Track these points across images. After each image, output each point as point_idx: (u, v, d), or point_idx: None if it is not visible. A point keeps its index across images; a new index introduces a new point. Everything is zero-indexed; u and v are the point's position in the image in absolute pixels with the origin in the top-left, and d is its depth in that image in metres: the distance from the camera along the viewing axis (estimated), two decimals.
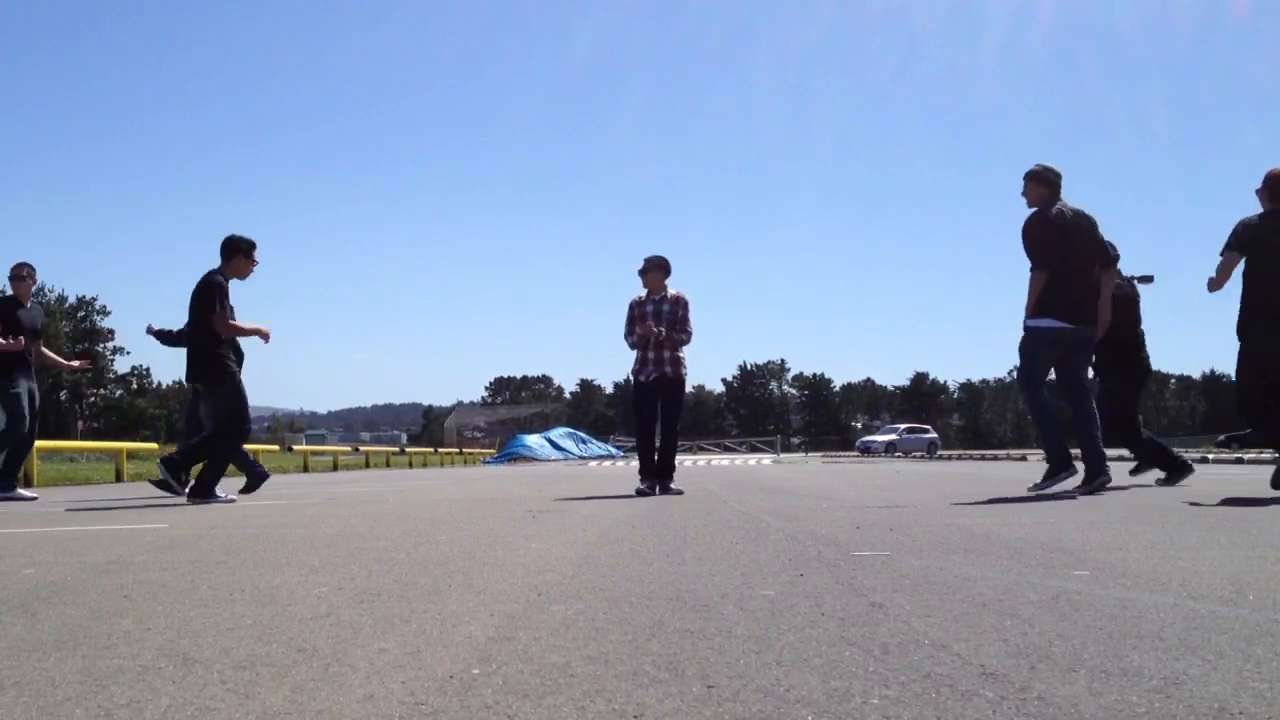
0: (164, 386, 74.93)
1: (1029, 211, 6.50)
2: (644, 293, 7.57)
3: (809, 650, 1.79)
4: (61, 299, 70.67)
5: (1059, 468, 6.32)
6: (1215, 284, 6.42)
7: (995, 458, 27.73)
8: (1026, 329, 6.46)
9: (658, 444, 7.43)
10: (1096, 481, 6.33)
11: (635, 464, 7.93)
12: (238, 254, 7.41)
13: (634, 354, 7.55)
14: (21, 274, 8.47)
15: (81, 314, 71.38)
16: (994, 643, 1.83)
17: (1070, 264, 6.36)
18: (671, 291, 7.56)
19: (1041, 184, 6.53)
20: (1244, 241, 6.31)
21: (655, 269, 7.54)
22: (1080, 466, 6.49)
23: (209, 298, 7.22)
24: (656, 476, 7.37)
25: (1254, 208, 6.47)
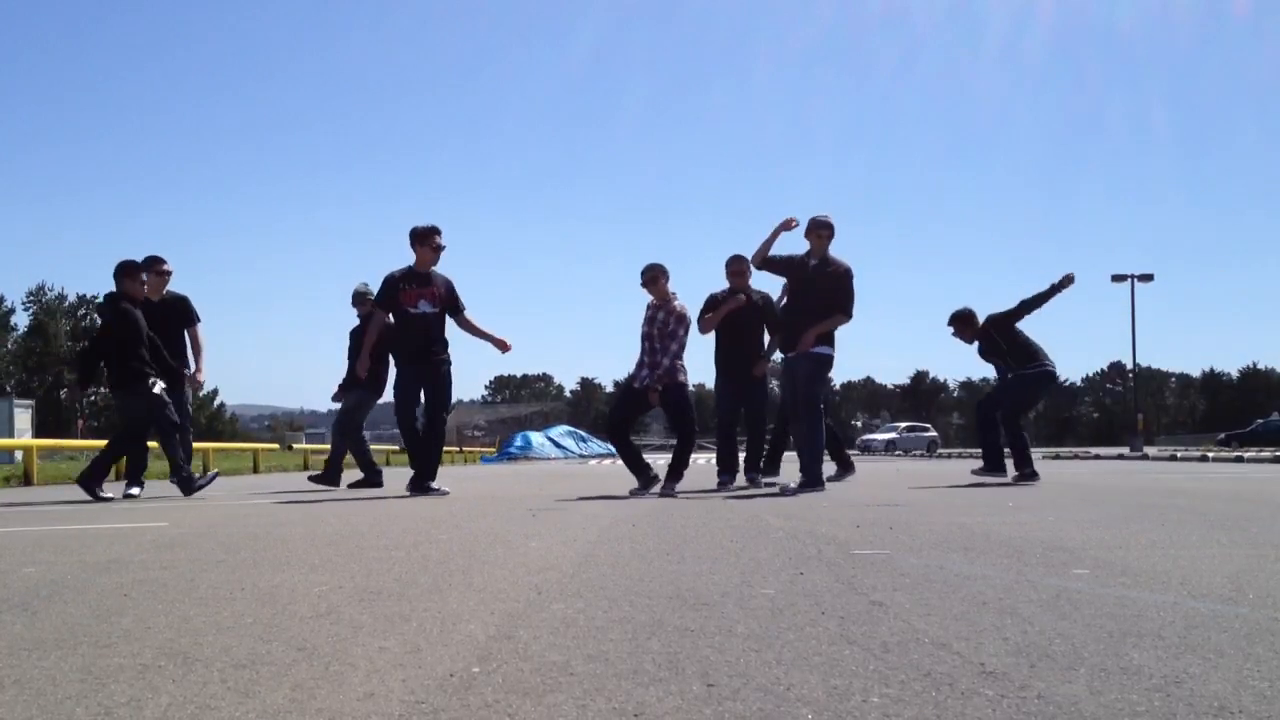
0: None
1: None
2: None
3: (809, 649, 1.79)
4: (61, 298, 70.69)
5: (818, 482, 6.96)
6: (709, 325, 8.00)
7: None
8: (825, 357, 7.05)
9: (635, 444, 7.44)
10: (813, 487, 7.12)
11: None
12: (413, 243, 7.54)
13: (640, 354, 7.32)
14: (158, 269, 8.08)
15: (81, 312, 71.38)
16: (994, 641, 1.83)
17: None
18: (675, 304, 7.28)
19: (832, 237, 7.14)
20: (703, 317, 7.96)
21: (648, 282, 7.29)
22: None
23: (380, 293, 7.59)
24: (665, 478, 7.18)
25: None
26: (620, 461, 8.81)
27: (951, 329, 8.86)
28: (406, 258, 7.59)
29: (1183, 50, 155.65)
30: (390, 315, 7.60)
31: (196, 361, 8.25)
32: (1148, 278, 36.03)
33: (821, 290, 7.02)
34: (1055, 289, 8.50)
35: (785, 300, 7.59)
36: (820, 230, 7.06)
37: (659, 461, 7.64)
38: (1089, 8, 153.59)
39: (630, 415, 7.63)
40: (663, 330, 7.24)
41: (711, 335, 8.20)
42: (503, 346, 7.83)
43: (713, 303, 8.09)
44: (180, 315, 8.16)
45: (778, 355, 8.19)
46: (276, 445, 27.34)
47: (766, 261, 7.17)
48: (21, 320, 68.90)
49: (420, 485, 7.43)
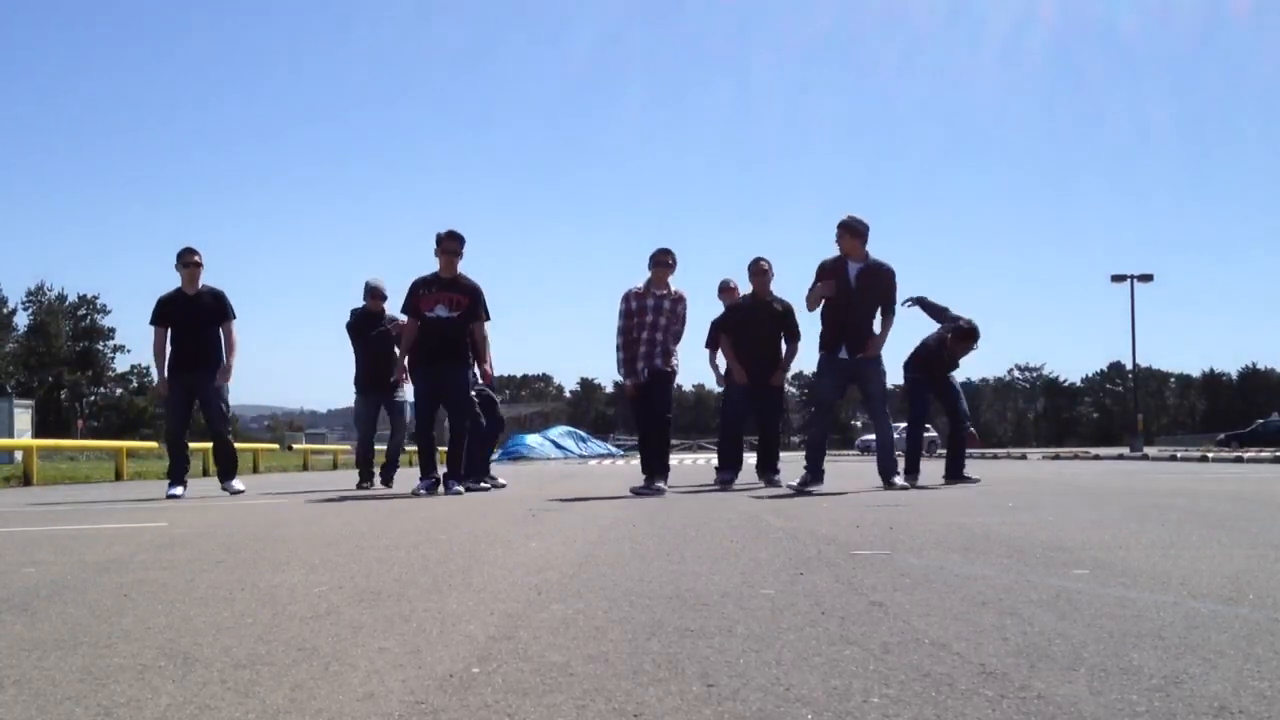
0: None
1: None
2: (640, 285, 7.30)
3: (809, 649, 1.79)
4: (61, 297, 70.67)
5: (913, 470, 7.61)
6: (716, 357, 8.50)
7: (995, 456, 27.70)
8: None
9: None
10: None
11: (636, 462, 7.87)
12: (436, 247, 7.60)
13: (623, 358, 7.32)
14: (188, 260, 8.02)
15: (82, 312, 71.35)
16: (994, 641, 1.83)
17: None
18: (675, 289, 7.35)
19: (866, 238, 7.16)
20: (725, 323, 8.29)
21: (670, 266, 7.30)
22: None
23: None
24: (653, 473, 7.18)
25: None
26: (620, 462, 8.77)
27: (967, 345, 8.21)
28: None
29: (1183, 50, 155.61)
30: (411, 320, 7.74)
31: (227, 357, 8.07)
32: (1148, 278, 36.04)
33: (872, 291, 7.06)
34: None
35: (825, 301, 7.24)
36: (864, 232, 7.02)
37: (634, 463, 7.60)
38: (1089, 8, 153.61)
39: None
40: (671, 319, 7.28)
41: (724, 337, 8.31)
42: (484, 375, 7.89)
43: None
44: (215, 310, 8.06)
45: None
46: (276, 445, 27.34)
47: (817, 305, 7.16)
48: (21, 320, 68.89)
49: (446, 484, 7.59)
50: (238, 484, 8.16)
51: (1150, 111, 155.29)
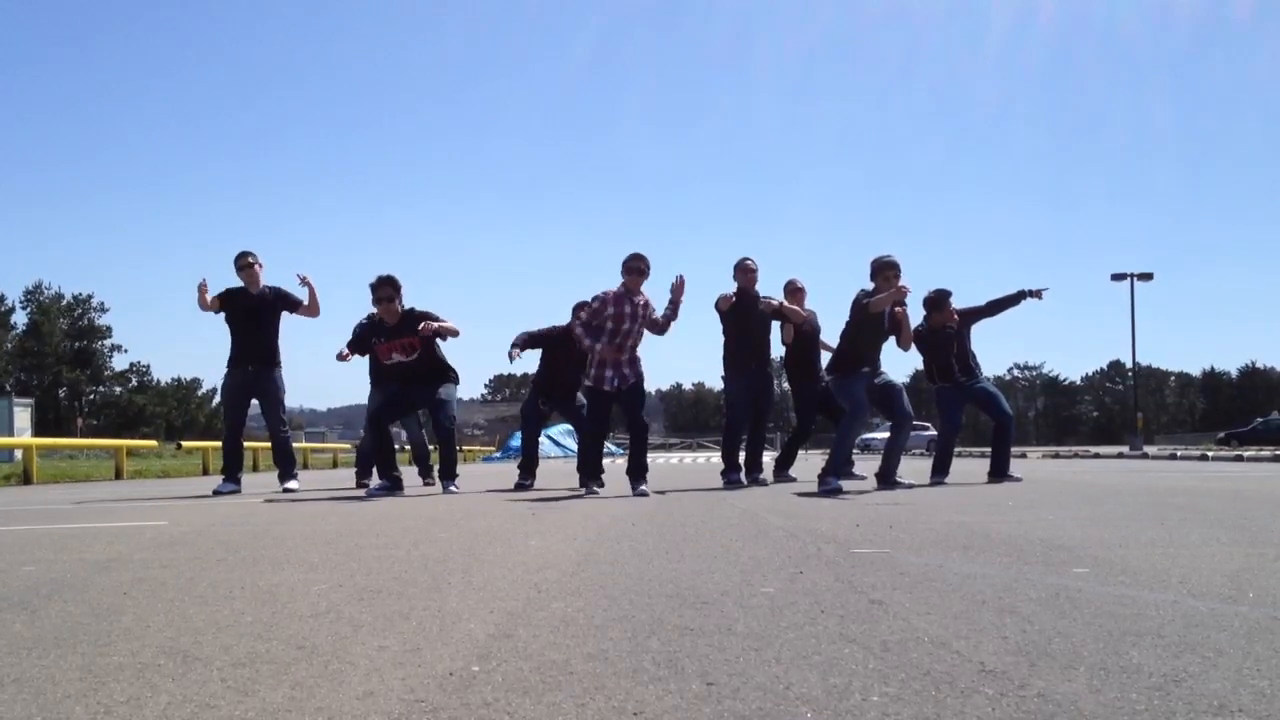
0: (163, 384, 75.02)
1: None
2: (619, 287, 7.09)
3: (809, 647, 1.79)
4: (59, 296, 70.65)
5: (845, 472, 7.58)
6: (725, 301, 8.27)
7: None
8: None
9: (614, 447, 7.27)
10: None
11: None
12: (371, 296, 7.71)
13: (590, 354, 7.14)
14: (244, 262, 8.26)
15: (79, 311, 71.31)
16: (993, 640, 1.83)
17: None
18: (644, 296, 7.15)
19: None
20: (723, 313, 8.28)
21: (644, 273, 7.10)
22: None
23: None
24: (630, 476, 7.10)
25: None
26: (620, 460, 8.77)
27: (925, 312, 8.22)
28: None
29: (1183, 50, 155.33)
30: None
31: (311, 296, 8.34)
32: (1148, 277, 36.02)
33: (885, 332, 7.36)
34: (1021, 296, 8.25)
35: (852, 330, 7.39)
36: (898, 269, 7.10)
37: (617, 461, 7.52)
38: (1089, 8, 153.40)
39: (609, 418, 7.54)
40: (643, 323, 7.12)
41: (719, 333, 8.36)
42: (426, 328, 7.54)
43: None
44: (278, 306, 8.34)
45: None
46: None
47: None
48: (19, 319, 68.92)
49: (443, 483, 7.85)
50: (292, 484, 8.28)
51: (1150, 112, 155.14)
